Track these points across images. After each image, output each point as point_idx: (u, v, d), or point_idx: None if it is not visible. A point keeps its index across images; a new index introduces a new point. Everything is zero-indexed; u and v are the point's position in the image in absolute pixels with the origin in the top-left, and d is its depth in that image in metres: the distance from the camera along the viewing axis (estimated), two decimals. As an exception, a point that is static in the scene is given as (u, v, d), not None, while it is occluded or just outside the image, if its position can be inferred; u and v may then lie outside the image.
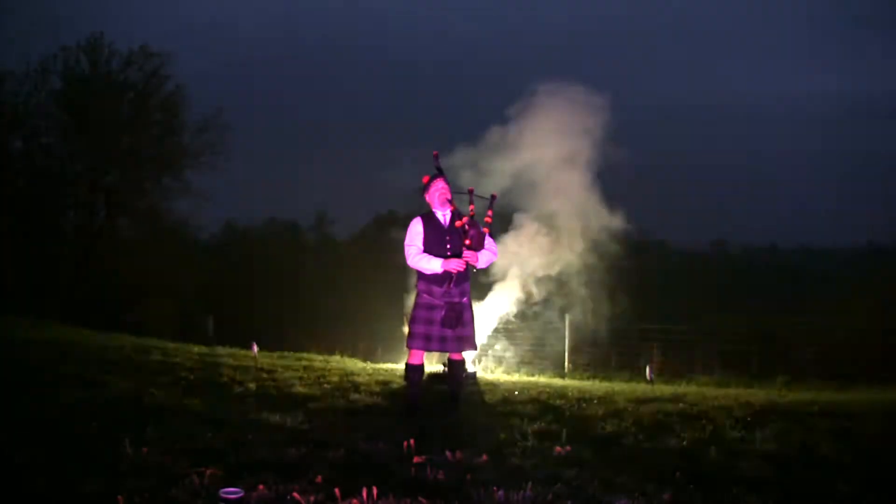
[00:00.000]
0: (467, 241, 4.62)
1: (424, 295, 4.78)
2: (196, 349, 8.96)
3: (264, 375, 6.31)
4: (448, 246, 4.70)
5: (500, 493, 2.83)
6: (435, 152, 4.89)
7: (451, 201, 4.78)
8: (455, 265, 4.61)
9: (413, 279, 5.12)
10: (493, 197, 4.85)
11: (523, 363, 11.80)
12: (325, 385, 5.93)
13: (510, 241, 8.90)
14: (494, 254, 4.92)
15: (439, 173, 4.84)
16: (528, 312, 10.40)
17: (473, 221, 4.71)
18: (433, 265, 4.64)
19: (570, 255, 9.19)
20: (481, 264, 4.80)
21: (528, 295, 9.41)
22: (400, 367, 8.15)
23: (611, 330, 12.18)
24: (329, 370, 7.17)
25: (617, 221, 9.18)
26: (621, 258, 9.65)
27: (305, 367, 7.30)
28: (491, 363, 11.12)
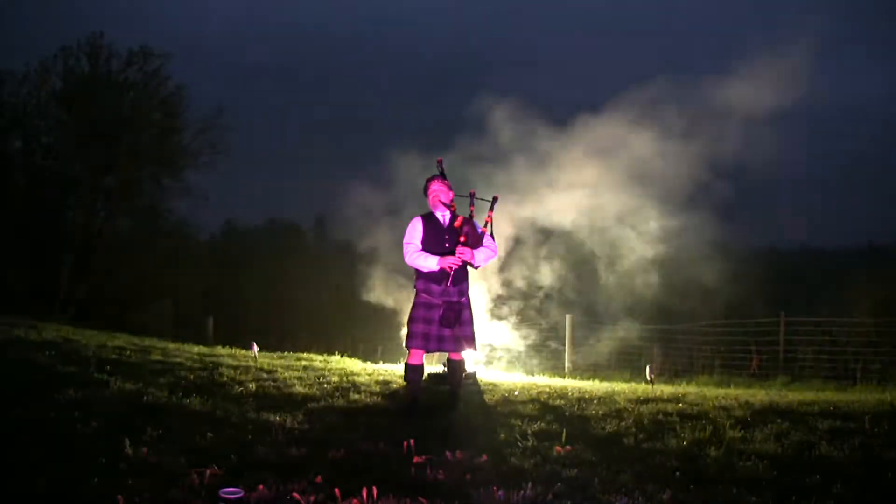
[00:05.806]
0: (462, 238, 4.70)
1: (423, 294, 4.81)
2: (196, 349, 8.96)
3: (264, 375, 6.31)
4: (447, 245, 4.78)
5: (500, 493, 2.83)
6: (439, 158, 4.99)
7: (450, 202, 4.85)
8: (451, 262, 4.66)
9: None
10: (494, 199, 4.93)
11: (521, 363, 11.80)
12: (325, 385, 5.93)
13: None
14: (494, 251, 4.96)
15: (440, 175, 4.93)
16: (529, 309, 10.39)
17: (469, 220, 4.79)
18: (430, 262, 4.70)
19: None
20: (478, 262, 4.84)
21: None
22: (400, 367, 8.16)
23: (612, 330, 12.20)
24: (329, 370, 7.16)
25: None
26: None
27: (305, 367, 7.29)
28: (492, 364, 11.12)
